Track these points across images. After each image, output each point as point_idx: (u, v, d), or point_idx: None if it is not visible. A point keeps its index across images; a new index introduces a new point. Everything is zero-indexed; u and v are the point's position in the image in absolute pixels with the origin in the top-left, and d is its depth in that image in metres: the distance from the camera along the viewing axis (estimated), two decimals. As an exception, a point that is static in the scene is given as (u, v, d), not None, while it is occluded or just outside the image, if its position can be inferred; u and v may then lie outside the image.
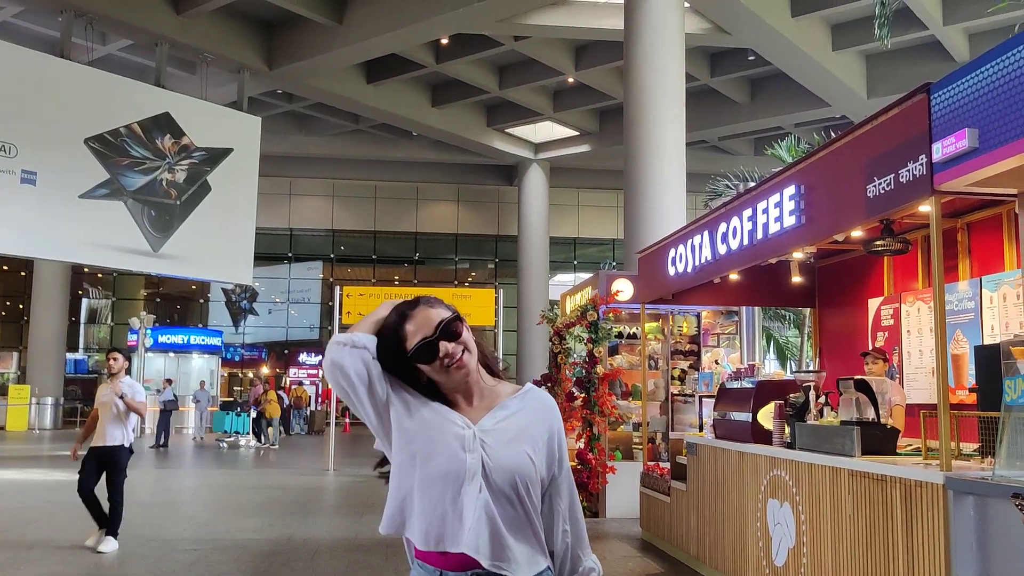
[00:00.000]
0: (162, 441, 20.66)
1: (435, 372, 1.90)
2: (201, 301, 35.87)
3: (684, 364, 10.41)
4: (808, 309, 9.68)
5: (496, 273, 34.82)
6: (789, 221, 5.33)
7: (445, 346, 1.88)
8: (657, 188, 15.94)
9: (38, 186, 17.62)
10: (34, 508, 10.24)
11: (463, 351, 1.91)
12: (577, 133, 28.80)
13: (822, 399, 5.52)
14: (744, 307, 10.06)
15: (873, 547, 4.36)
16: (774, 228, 5.52)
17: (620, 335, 10.71)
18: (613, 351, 10.76)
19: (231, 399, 24.96)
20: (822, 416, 5.39)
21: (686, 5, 17.17)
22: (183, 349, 30.38)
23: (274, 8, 20.20)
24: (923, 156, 3.94)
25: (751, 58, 22.26)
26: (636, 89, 16.44)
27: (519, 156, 29.98)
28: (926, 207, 4.53)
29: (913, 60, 21.56)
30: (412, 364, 1.91)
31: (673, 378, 10.35)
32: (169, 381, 23.61)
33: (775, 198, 5.49)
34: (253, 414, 22.38)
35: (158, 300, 35.66)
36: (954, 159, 3.73)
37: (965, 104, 3.72)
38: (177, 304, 36.73)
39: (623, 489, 9.54)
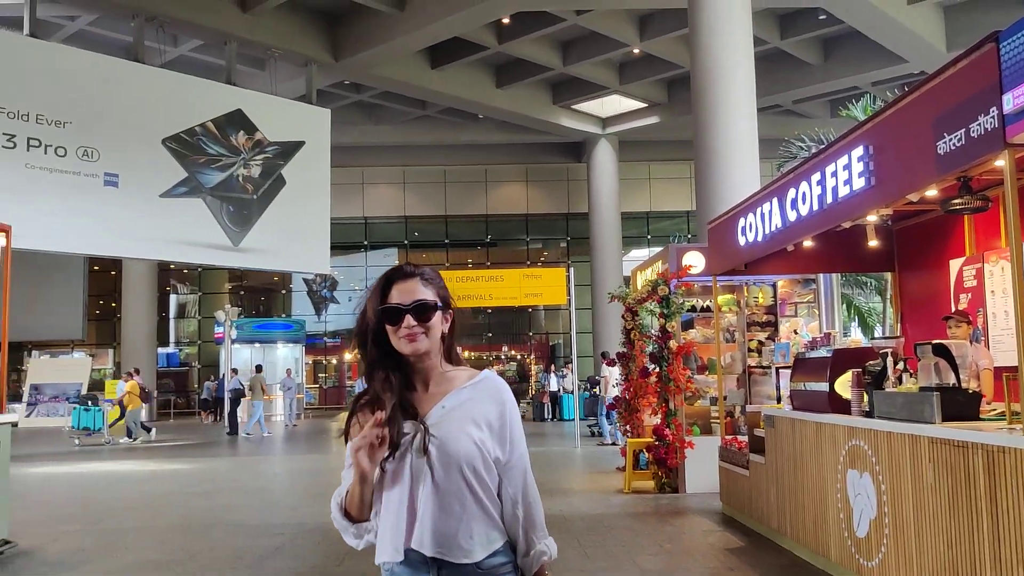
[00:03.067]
0: (236, 429, 21.45)
1: (392, 335, 2.02)
2: (283, 292, 36.69)
3: (761, 335, 10.20)
4: (888, 274, 9.38)
5: (568, 251, 34.68)
6: (859, 183, 5.15)
7: (409, 320, 2.00)
8: (729, 156, 15.63)
9: (120, 188, 18.19)
10: (130, 497, 10.66)
11: (422, 333, 2.01)
12: (645, 105, 28.38)
13: (900, 365, 5.34)
14: (821, 274, 9.82)
15: (956, 516, 4.22)
16: (844, 191, 5.35)
17: (693, 308, 10.57)
18: (688, 325, 10.62)
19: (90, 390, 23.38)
20: (901, 383, 5.23)
21: (751, -33, 16.70)
22: (268, 339, 31.14)
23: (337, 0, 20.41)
24: (993, 108, 3.76)
25: (822, 17, 21.57)
26: (703, 56, 16.11)
27: (587, 132, 29.72)
28: (999, 161, 4.36)
29: (994, 9, 20.60)
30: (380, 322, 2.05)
31: (750, 350, 10.16)
32: (235, 371, 24.22)
33: (843, 160, 5.32)
34: (110, 408, 20.71)
35: (242, 292, 36.60)
36: (1026, 110, 3.55)
37: (1038, 50, 3.53)
38: (261, 296, 37.64)
39: (702, 464, 9.44)
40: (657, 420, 10.18)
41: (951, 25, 21.96)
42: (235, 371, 24.24)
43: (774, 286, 10.21)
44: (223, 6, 19.95)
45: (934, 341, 4.90)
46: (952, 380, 4.75)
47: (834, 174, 5.45)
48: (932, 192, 5.57)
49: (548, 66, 24.65)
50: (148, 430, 20.18)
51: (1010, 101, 3.63)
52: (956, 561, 4.23)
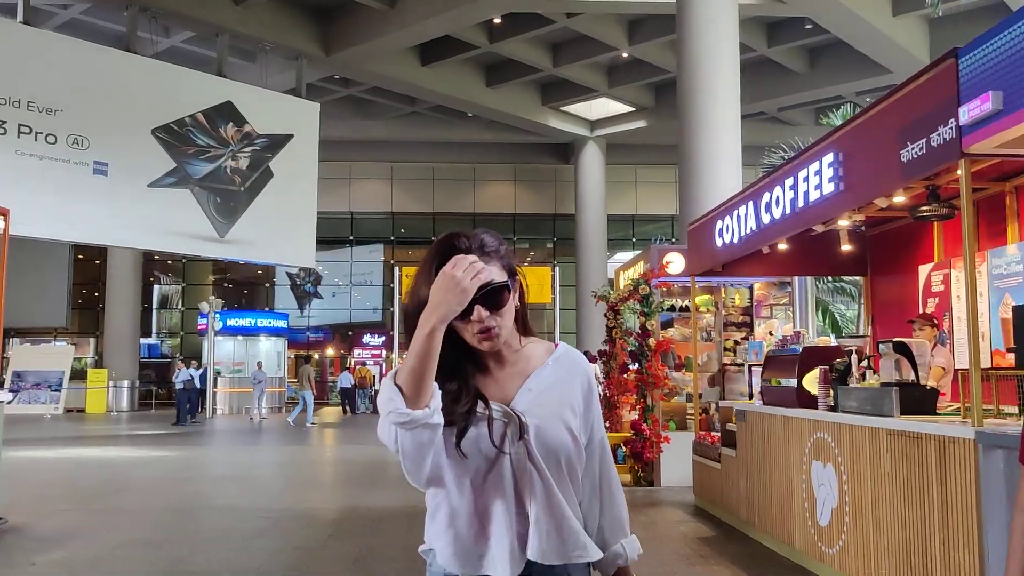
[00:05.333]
0: (183, 419, 21.55)
1: (459, 330, 1.69)
2: (267, 285, 36.76)
3: (738, 335, 10.49)
4: (861, 278, 9.68)
5: (555, 252, 34.96)
6: (828, 188, 5.42)
7: (480, 312, 1.65)
8: (712, 162, 15.91)
9: (109, 176, 18.27)
10: (118, 481, 10.83)
11: (497, 326, 1.68)
12: (633, 109, 28.68)
13: (865, 363, 5.61)
14: (796, 278, 10.10)
15: (910, 502, 4.48)
16: (814, 196, 5.61)
17: (672, 308, 10.83)
18: (667, 324, 10.88)
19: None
20: (865, 379, 5.49)
21: (739, -24, 17.00)
22: (251, 332, 31.23)
23: (329, -5, 20.60)
24: (952, 120, 4.02)
25: (809, 27, 21.92)
26: (690, 63, 16.38)
27: (575, 134, 30.00)
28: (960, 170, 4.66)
29: (979, 22, 20.96)
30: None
31: (727, 349, 10.45)
32: (185, 361, 24.34)
33: (815, 166, 5.59)
34: None
35: (226, 285, 36.63)
36: (980, 122, 3.82)
37: (991, 67, 3.80)
38: (244, 289, 37.68)
39: (677, 458, 9.70)
40: (635, 416, 10.44)
41: (935, 37, 22.34)
42: (185, 361, 24.29)
43: (751, 288, 10.49)
44: (216, -2, 20.11)
45: (895, 339, 5.17)
46: (912, 377, 5.02)
47: (806, 179, 5.71)
48: (900, 199, 5.85)
49: (538, 67, 24.89)
50: None
51: (966, 113, 3.89)
52: (909, 544, 4.50)
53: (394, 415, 1.57)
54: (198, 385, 23.47)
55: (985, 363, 6.02)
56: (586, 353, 20.22)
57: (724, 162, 15.88)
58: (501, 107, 27.10)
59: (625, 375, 11.08)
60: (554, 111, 28.65)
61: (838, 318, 17.03)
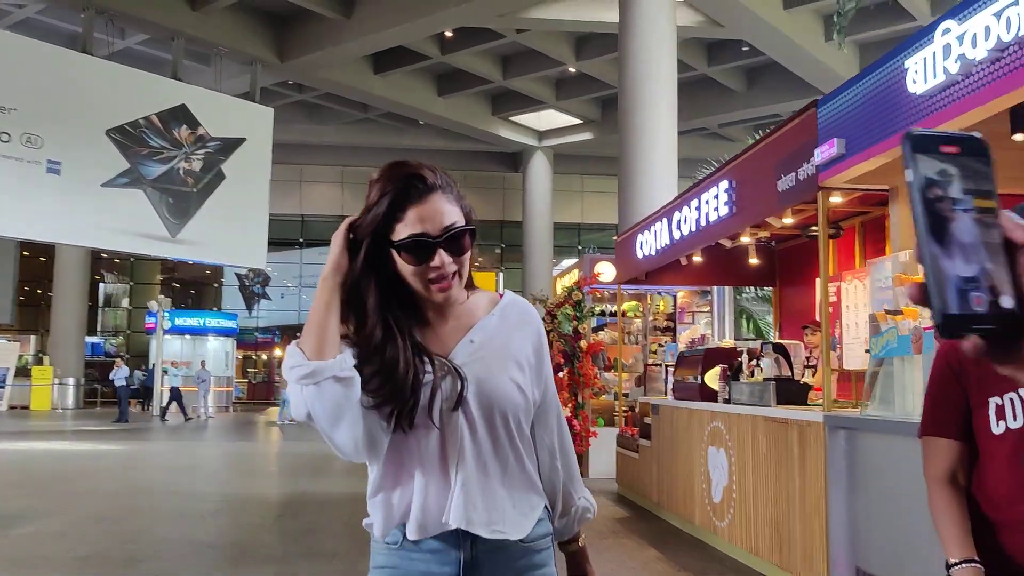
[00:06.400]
0: (121, 417, 21.83)
1: (412, 275, 1.53)
2: (215, 286, 36.96)
3: (664, 340, 11.34)
4: (771, 288, 10.57)
5: (502, 258, 35.73)
6: (724, 210, 6.25)
7: (442, 257, 1.51)
8: (649, 176, 16.73)
9: (62, 176, 18.54)
10: (72, 469, 11.29)
11: (455, 274, 1.54)
12: (580, 121, 29.60)
13: (755, 362, 6.43)
14: (715, 287, 10.99)
15: (780, 478, 5.30)
16: (713, 216, 6.44)
17: (603, 313, 11.65)
18: (600, 328, 11.70)
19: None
20: (754, 376, 6.32)
21: None
22: (199, 332, 31.45)
23: (285, 3, 21.10)
24: (812, 159, 4.85)
25: (746, 48, 23.00)
26: (630, 81, 17.23)
27: (523, 144, 30.82)
28: (836, 198, 5.55)
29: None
30: (385, 249, 1.55)
31: (653, 352, 11.28)
32: (120, 359, 24.65)
33: (714, 191, 6.41)
34: None
35: (174, 285, 36.75)
36: (829, 162, 4.64)
37: (840, 116, 4.63)
38: (192, 289, 37.83)
39: (604, 452, 10.48)
40: (567, 412, 11.21)
41: (865, 61, 23.56)
42: (122, 359, 24.57)
43: (675, 296, 11.34)
44: (173, 3, 20.48)
45: (775, 341, 6.00)
46: (788, 373, 5.85)
47: (707, 202, 6.54)
48: (789, 220, 6.71)
49: (488, 78, 25.65)
50: None
51: (818, 155, 4.71)
52: (777, 516, 5.31)
53: (296, 371, 1.44)
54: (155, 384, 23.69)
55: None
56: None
57: (661, 175, 16.72)
58: (452, 116, 27.81)
59: (559, 375, 11.84)
60: (503, 121, 29.44)
61: (762, 325, 18.04)
